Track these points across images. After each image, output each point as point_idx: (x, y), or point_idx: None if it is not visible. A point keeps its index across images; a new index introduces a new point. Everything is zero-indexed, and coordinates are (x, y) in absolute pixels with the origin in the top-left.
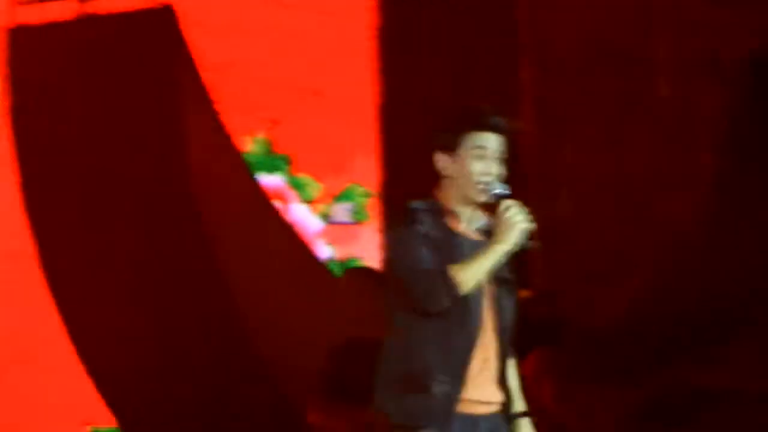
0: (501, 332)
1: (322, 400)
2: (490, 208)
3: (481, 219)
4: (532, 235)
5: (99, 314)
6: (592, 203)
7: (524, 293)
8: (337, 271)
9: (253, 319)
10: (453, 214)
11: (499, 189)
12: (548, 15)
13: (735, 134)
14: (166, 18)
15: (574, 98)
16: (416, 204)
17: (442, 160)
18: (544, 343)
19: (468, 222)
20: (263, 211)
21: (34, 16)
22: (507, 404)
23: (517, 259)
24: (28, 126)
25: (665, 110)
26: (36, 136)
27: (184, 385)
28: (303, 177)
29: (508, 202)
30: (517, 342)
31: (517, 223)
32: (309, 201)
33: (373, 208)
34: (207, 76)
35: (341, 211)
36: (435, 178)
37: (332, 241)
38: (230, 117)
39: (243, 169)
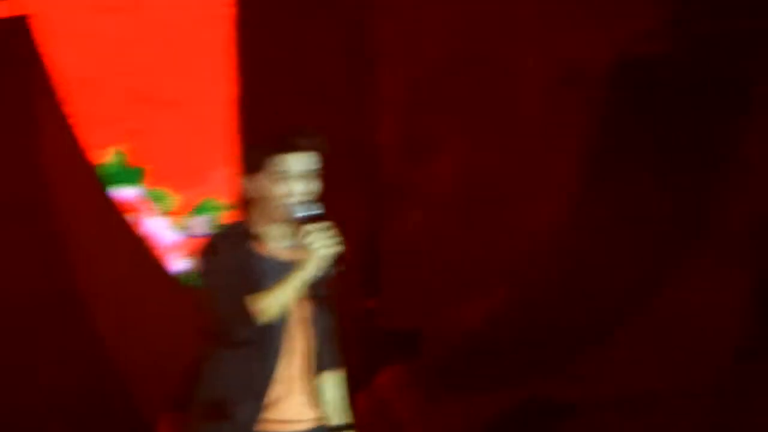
0: (314, 351)
1: (172, 415)
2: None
3: (291, 237)
4: (338, 258)
5: None
6: (451, 215)
7: (371, 303)
8: (195, 283)
9: (106, 330)
10: (259, 236)
11: (305, 210)
12: (410, 27)
13: (596, 143)
14: (21, 30)
15: (435, 110)
16: (220, 230)
17: (246, 182)
18: (400, 356)
19: (276, 242)
20: (117, 224)
21: None
22: (324, 419)
23: (339, 276)
24: None
25: (528, 121)
26: None
27: (36, 395)
28: (159, 189)
29: (310, 227)
30: (367, 355)
31: (318, 249)
32: (166, 213)
33: (229, 220)
34: (62, 89)
35: (199, 224)
36: None
37: (189, 254)
38: (86, 130)
39: (97, 182)
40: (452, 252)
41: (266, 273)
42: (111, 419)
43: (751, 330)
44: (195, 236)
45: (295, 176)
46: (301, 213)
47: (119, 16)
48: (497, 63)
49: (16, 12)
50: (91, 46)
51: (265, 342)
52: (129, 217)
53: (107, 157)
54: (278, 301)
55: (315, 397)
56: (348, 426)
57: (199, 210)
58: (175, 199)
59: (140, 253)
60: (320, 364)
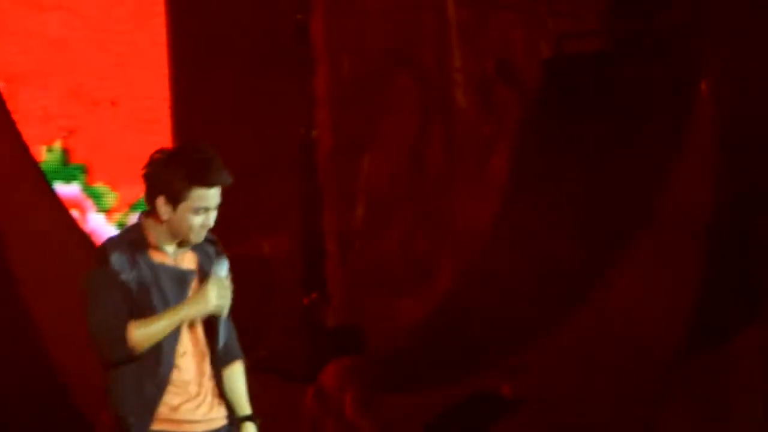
0: (215, 351)
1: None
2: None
3: (184, 248)
4: (221, 310)
5: None
6: (390, 212)
7: (313, 299)
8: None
9: (46, 328)
10: (153, 244)
11: (204, 237)
12: (343, 26)
13: (530, 138)
14: None
15: (370, 108)
16: (112, 239)
17: (163, 207)
18: (344, 351)
19: (174, 251)
20: (59, 221)
21: None
22: (230, 412)
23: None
24: None
25: (463, 119)
26: None
27: None
28: (99, 186)
29: (216, 278)
30: (311, 350)
31: (211, 300)
32: (105, 210)
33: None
34: (2, 85)
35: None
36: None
37: None
38: (26, 126)
39: (39, 179)
40: (394, 249)
41: (161, 281)
42: (50, 416)
43: (691, 324)
44: None
45: (211, 209)
46: (199, 240)
47: (58, 14)
48: (431, 61)
49: None
50: (30, 42)
51: (156, 360)
52: (73, 214)
53: (48, 154)
54: (155, 332)
55: (219, 395)
56: (250, 417)
57: (138, 206)
58: (114, 196)
59: (82, 250)
60: (229, 355)
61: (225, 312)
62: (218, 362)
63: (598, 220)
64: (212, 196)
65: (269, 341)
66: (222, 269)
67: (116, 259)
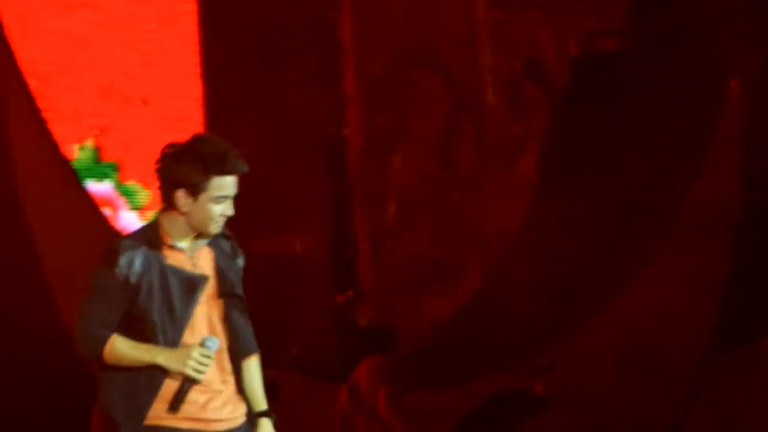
0: (230, 347)
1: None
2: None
3: (200, 243)
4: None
5: None
6: (419, 211)
7: (345, 298)
8: None
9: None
10: (171, 246)
11: (221, 228)
12: (372, 25)
13: (558, 137)
14: None
15: (399, 107)
16: (126, 239)
17: (183, 200)
18: (375, 349)
19: (190, 246)
20: (91, 219)
21: None
22: (248, 409)
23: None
24: None
25: (492, 118)
26: None
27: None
28: (131, 184)
29: (203, 349)
30: (343, 349)
31: (187, 365)
32: (137, 208)
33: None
34: (33, 84)
35: None
36: (260, 184)
37: None
38: (57, 125)
39: (71, 177)
40: (420, 246)
41: (169, 285)
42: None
43: (716, 325)
44: None
45: (229, 197)
46: (218, 230)
47: (86, 12)
48: (459, 60)
49: None
50: (58, 41)
51: (152, 370)
52: (102, 212)
53: (80, 152)
54: (123, 356)
55: (236, 392)
56: (266, 413)
57: None
58: (147, 194)
59: None
60: (246, 350)
61: (199, 379)
62: (236, 356)
63: (625, 219)
64: (230, 184)
65: (301, 339)
66: (214, 343)
67: (125, 262)
